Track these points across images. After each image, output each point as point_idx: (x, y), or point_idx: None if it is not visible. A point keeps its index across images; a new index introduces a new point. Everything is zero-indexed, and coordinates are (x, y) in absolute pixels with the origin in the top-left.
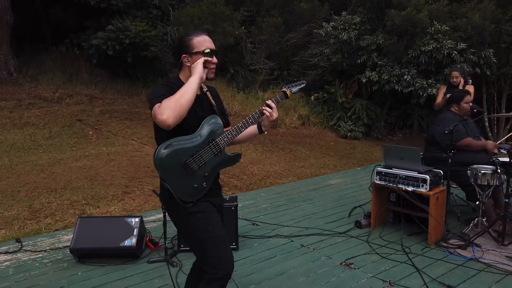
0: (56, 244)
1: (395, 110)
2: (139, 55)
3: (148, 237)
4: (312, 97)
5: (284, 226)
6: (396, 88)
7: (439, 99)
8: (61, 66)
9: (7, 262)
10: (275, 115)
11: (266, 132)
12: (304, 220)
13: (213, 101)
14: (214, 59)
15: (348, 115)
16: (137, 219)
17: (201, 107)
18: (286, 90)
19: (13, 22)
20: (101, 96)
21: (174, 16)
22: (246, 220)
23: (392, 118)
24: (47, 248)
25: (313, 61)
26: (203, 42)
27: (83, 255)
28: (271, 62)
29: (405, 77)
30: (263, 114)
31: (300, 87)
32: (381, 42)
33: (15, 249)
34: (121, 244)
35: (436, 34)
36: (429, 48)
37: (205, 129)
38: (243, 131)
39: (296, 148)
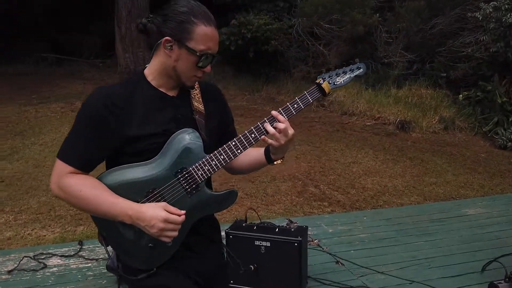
0: (111, 253)
1: None
2: (260, 50)
3: None
4: (461, 95)
5: (379, 272)
6: None
7: None
8: None
9: (55, 269)
10: (282, 140)
11: (277, 163)
12: (411, 266)
13: (199, 105)
14: (208, 68)
15: (510, 120)
16: None
17: (173, 116)
18: (321, 81)
19: None
20: (224, 92)
21: (299, 7)
22: (330, 254)
23: None
24: (101, 256)
25: (465, 51)
26: (210, 38)
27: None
28: (410, 54)
29: None
30: (263, 134)
31: (351, 76)
32: None
33: (72, 252)
34: None
35: None
36: None
37: (171, 152)
38: (239, 153)
39: (431, 159)
